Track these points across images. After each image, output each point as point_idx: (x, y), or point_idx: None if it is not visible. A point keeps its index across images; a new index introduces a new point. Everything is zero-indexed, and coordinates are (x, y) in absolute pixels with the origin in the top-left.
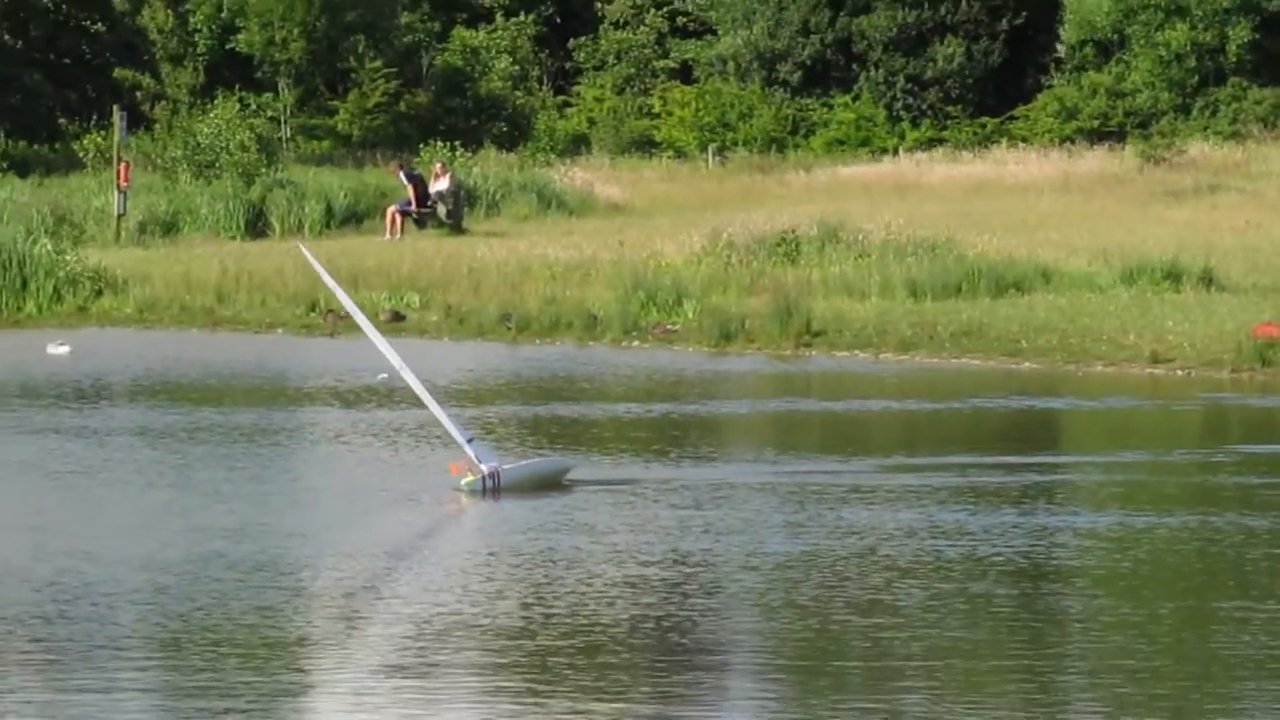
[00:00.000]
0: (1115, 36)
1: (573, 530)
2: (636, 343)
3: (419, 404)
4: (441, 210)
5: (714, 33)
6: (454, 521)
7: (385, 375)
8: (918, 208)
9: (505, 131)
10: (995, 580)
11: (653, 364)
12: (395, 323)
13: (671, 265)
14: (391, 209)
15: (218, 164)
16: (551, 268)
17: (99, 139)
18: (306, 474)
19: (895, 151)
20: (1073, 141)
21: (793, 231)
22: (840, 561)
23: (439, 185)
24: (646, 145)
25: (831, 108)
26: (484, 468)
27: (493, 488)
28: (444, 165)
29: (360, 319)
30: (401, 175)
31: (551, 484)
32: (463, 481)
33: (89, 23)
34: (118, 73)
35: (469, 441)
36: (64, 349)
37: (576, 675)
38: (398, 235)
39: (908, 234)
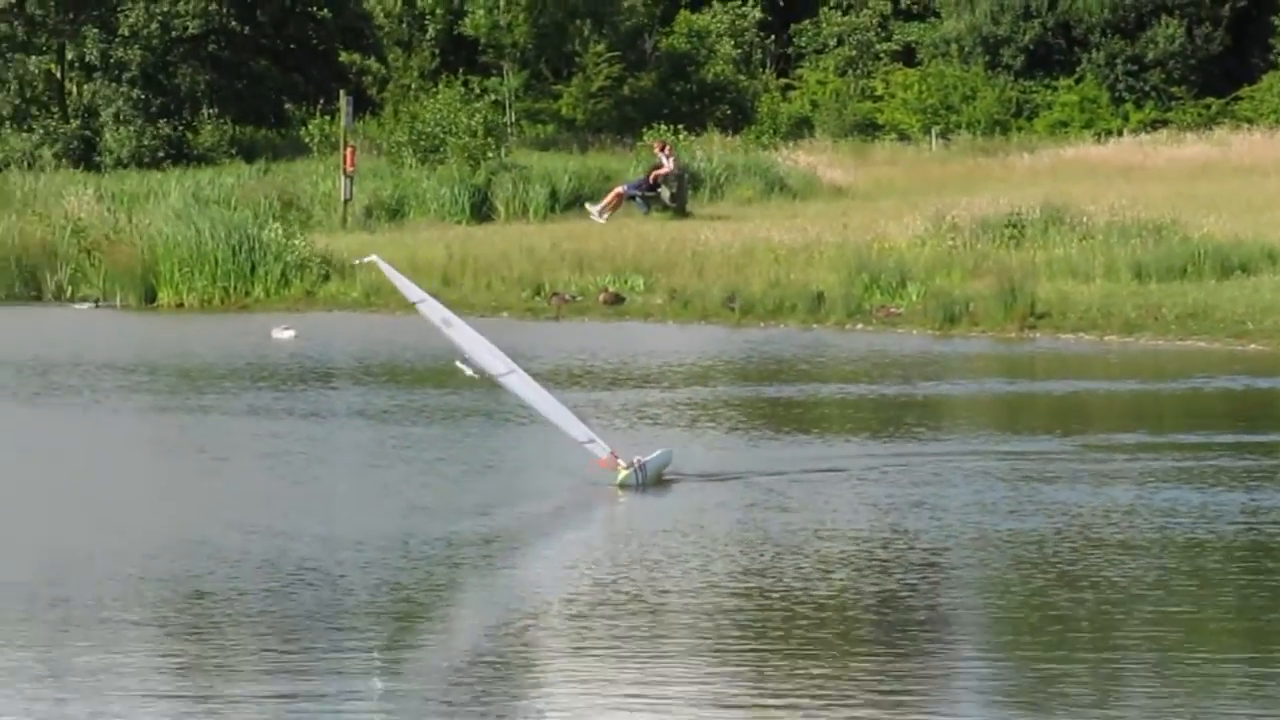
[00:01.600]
0: None
1: (786, 510)
2: (860, 325)
3: (638, 385)
4: (665, 194)
5: (937, 15)
6: (661, 503)
7: (462, 363)
8: (1142, 189)
9: (729, 115)
10: (1219, 559)
11: (876, 346)
12: (614, 305)
13: (895, 248)
14: (619, 189)
15: (443, 148)
16: (775, 251)
17: (325, 124)
18: (527, 454)
19: (1119, 133)
20: None
21: (1017, 214)
22: (1060, 539)
23: (657, 165)
24: (869, 128)
25: (1055, 90)
26: (634, 460)
27: (642, 481)
28: (666, 146)
29: (459, 327)
30: (663, 156)
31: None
32: (619, 477)
33: (315, 8)
34: (344, 57)
35: (590, 442)
36: (289, 333)
37: (797, 647)
38: (604, 217)
39: (1132, 216)
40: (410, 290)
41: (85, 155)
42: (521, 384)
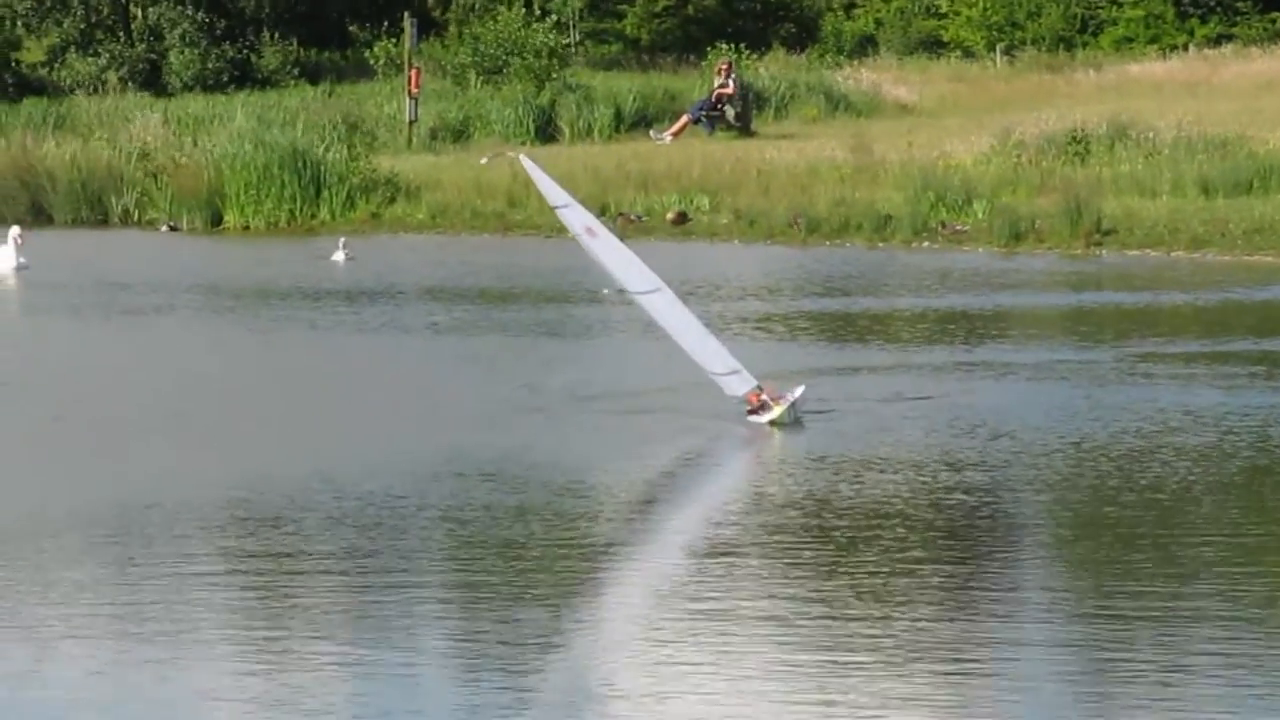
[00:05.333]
0: None
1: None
2: (927, 243)
3: (716, 302)
4: (730, 113)
5: None
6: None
7: (608, 291)
8: (1208, 105)
9: (793, 33)
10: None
11: (943, 264)
12: (680, 224)
13: (960, 165)
14: (686, 116)
15: (507, 69)
16: (840, 169)
17: (389, 46)
18: (616, 371)
19: (1185, 48)
20: None
21: (1082, 130)
22: (1131, 447)
23: (721, 85)
24: (934, 45)
25: (1120, 5)
26: (790, 395)
27: (794, 418)
28: (729, 65)
29: (603, 237)
30: (724, 77)
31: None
32: (774, 413)
33: None
34: None
35: (733, 373)
36: (341, 255)
37: (867, 554)
38: (669, 138)
39: (1198, 131)
40: (554, 193)
41: (151, 79)
42: (665, 306)
